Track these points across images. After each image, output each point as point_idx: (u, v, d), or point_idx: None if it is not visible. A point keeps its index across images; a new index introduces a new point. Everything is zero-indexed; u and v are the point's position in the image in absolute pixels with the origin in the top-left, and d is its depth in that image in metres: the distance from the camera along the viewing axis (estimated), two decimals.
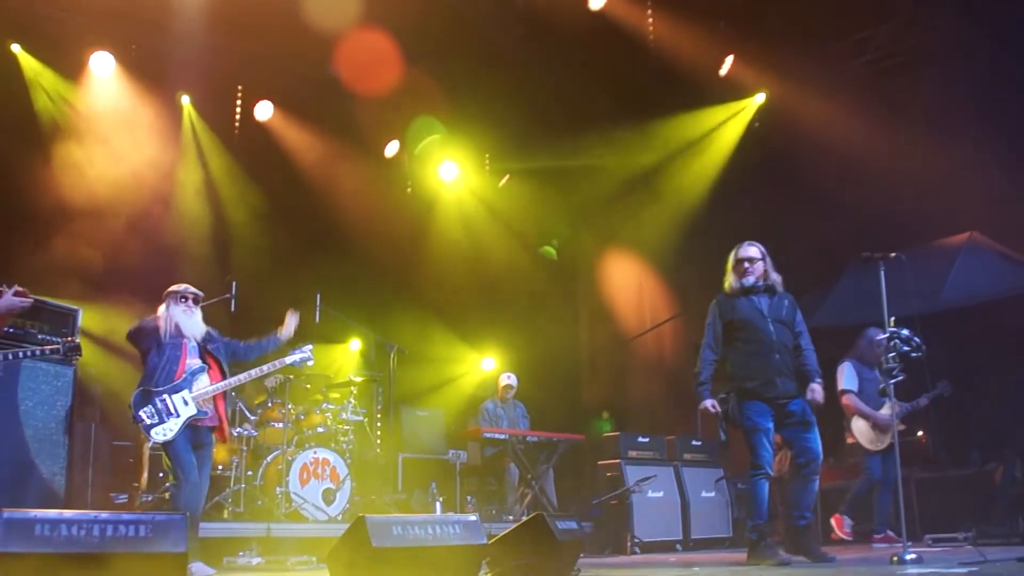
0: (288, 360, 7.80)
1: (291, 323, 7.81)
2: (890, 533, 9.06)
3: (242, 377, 7.47)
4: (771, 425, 6.84)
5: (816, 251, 12.15)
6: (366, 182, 14.14)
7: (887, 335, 6.48)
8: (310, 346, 7.94)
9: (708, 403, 6.98)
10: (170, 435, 6.90)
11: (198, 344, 7.34)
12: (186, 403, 7.02)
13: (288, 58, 12.72)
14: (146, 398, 6.98)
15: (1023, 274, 10.64)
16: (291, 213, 13.34)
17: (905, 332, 6.39)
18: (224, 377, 7.36)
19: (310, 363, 7.93)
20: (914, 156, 11.58)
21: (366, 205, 13.92)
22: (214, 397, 7.25)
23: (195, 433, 7.11)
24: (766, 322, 6.93)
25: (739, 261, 7.16)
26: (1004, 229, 11.55)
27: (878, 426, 9.26)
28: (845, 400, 9.37)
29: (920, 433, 10.84)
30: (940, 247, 11.64)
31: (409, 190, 15.44)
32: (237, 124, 13.55)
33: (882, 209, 11.55)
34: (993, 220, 11.52)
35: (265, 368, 7.67)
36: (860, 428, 9.35)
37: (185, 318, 7.32)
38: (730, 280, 7.13)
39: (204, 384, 7.21)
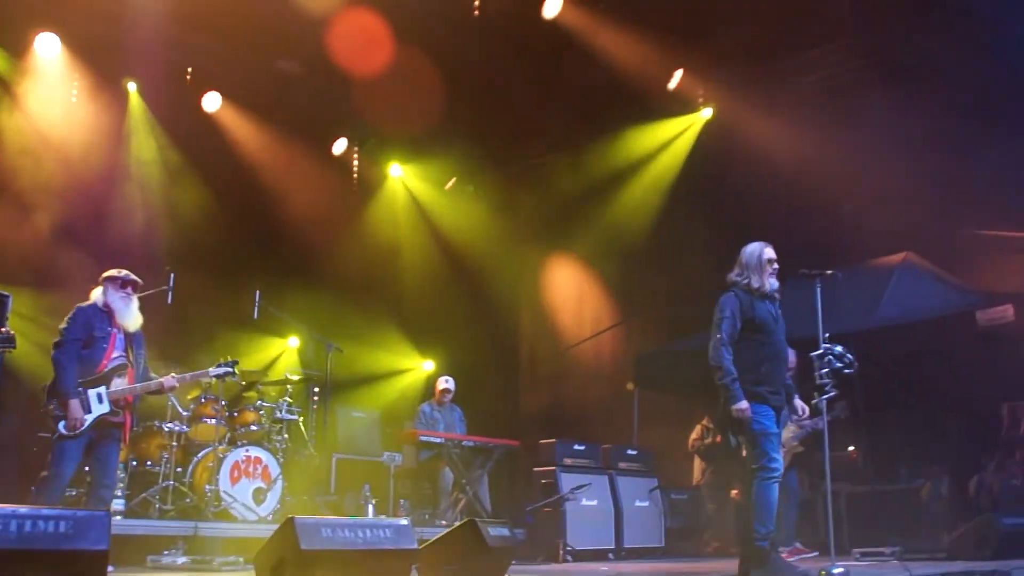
0: (212, 373, 7.65)
1: (170, 383, 7.37)
2: (798, 545, 9.14)
3: (165, 382, 7.18)
4: (777, 429, 6.58)
5: None
6: (312, 179, 14.04)
7: (821, 351, 6.53)
8: (235, 362, 7.77)
9: (745, 405, 6.46)
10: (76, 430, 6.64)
11: (125, 337, 7.07)
12: (100, 400, 6.76)
13: (239, 50, 12.61)
14: None
15: (955, 295, 10.80)
16: (234, 206, 13.21)
17: (839, 348, 6.44)
18: (137, 379, 7.07)
19: (234, 378, 7.77)
20: (855, 175, 11.75)
21: (311, 202, 13.81)
22: (126, 397, 6.96)
23: (100, 430, 6.81)
24: (779, 329, 6.71)
25: (769, 261, 6.78)
26: (938, 251, 11.74)
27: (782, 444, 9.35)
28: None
29: (851, 448, 10.97)
30: (876, 266, 11.79)
31: (355, 188, 15.35)
32: (183, 114, 13.38)
33: (823, 226, 11.70)
34: (928, 242, 11.70)
35: (187, 377, 7.48)
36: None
37: (123, 306, 7.02)
38: (753, 279, 6.70)
39: (122, 383, 6.94)
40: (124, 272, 7.15)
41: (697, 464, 12.56)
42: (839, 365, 6.34)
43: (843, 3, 12.30)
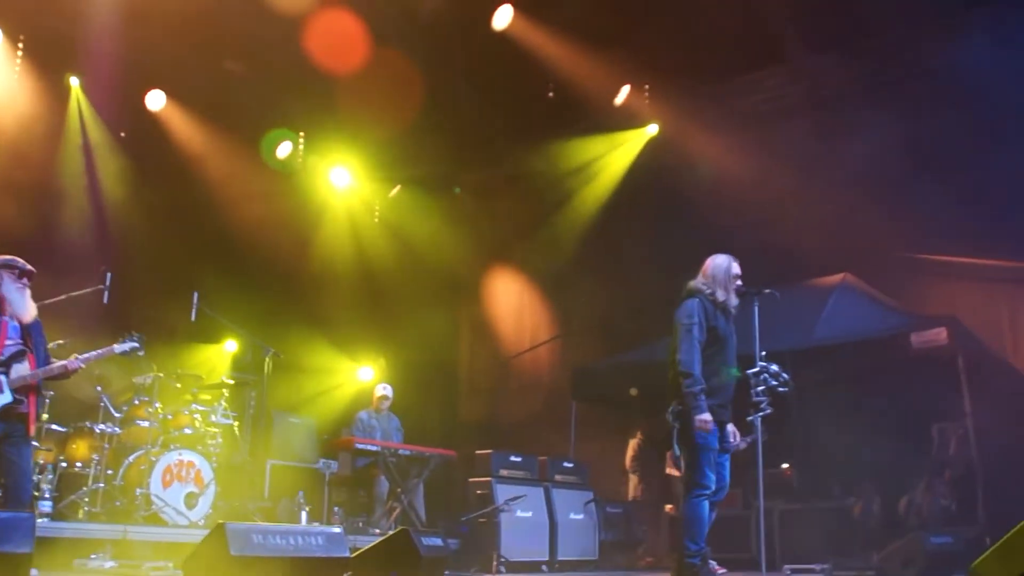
0: (117, 349, 7.38)
1: (74, 364, 7.14)
2: (711, 564, 9.18)
3: (68, 364, 6.93)
4: (717, 446, 6.55)
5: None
6: (255, 182, 13.93)
7: (757, 369, 6.58)
8: (140, 336, 7.56)
9: (708, 417, 6.40)
10: None
11: (20, 326, 6.72)
12: (1, 390, 6.45)
13: (185, 49, 12.46)
14: None
15: (890, 317, 10.95)
16: (174, 206, 13.08)
17: (775, 367, 6.49)
18: (39, 366, 6.73)
19: (140, 353, 7.55)
20: (796, 196, 11.91)
21: (253, 205, 13.71)
22: (28, 387, 6.60)
23: (7, 423, 6.47)
24: (732, 345, 6.71)
25: (736, 276, 6.80)
26: (875, 273, 11.93)
27: None
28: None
29: (785, 466, 11.08)
30: (815, 286, 11.94)
31: (298, 193, 15.25)
32: (126, 111, 13.21)
33: (763, 245, 11.82)
34: (866, 264, 11.88)
35: (92, 355, 7.19)
36: None
37: (17, 296, 6.68)
38: (719, 292, 6.70)
39: (23, 369, 6.60)
40: (21, 261, 6.80)
41: (632, 478, 12.62)
42: (775, 383, 6.38)
43: (785, 29, 12.46)
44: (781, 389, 6.40)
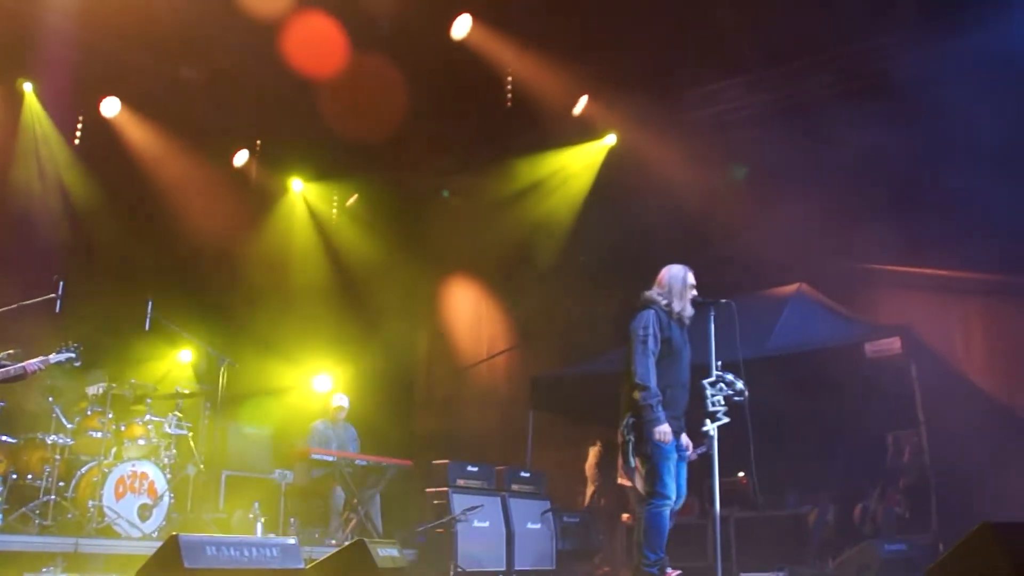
0: (52, 359, 7.36)
1: (34, 366, 7.05)
2: (669, 570, 9.20)
3: (27, 365, 6.80)
4: (675, 455, 6.59)
5: None
6: (211, 190, 13.84)
7: (713, 378, 6.60)
8: (78, 346, 7.49)
9: (667, 429, 6.43)
10: None
11: None
12: None
13: (141, 56, 12.38)
14: None
15: (845, 326, 11.05)
16: (129, 214, 12.95)
17: (730, 376, 6.51)
18: None
19: (77, 364, 7.48)
20: (753, 208, 12.00)
21: (209, 214, 13.61)
22: None
23: None
24: (686, 355, 6.74)
25: (691, 286, 6.82)
26: (830, 284, 12.04)
27: None
28: None
29: (740, 474, 11.13)
30: (770, 296, 12.03)
31: (255, 202, 15.17)
32: (81, 118, 13.09)
33: (720, 256, 11.91)
34: (821, 274, 11.98)
35: (28, 365, 7.11)
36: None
37: None
38: (675, 302, 6.71)
39: None
40: None
41: (589, 488, 12.64)
42: (730, 393, 6.41)
43: (744, 41, 12.56)
44: (737, 399, 6.42)
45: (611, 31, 12.46)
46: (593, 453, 12.75)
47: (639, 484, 9.45)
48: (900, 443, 10.81)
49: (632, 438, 6.49)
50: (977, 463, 10.02)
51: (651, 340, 6.46)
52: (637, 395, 6.41)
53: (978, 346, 12.41)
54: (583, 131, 14.11)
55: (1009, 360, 12.03)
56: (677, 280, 6.77)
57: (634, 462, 6.57)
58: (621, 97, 13.53)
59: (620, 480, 9.81)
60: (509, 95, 13.53)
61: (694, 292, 6.79)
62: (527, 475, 11.53)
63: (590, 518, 12.16)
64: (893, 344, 10.35)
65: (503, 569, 10.46)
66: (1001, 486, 9.60)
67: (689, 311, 6.73)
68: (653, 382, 6.39)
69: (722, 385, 6.37)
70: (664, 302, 6.69)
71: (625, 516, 11.69)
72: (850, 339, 10.67)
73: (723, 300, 6.78)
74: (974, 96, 11.01)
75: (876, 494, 10.61)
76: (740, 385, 6.41)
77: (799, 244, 11.57)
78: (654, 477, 6.40)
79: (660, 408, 6.36)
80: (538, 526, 11.12)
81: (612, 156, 14.25)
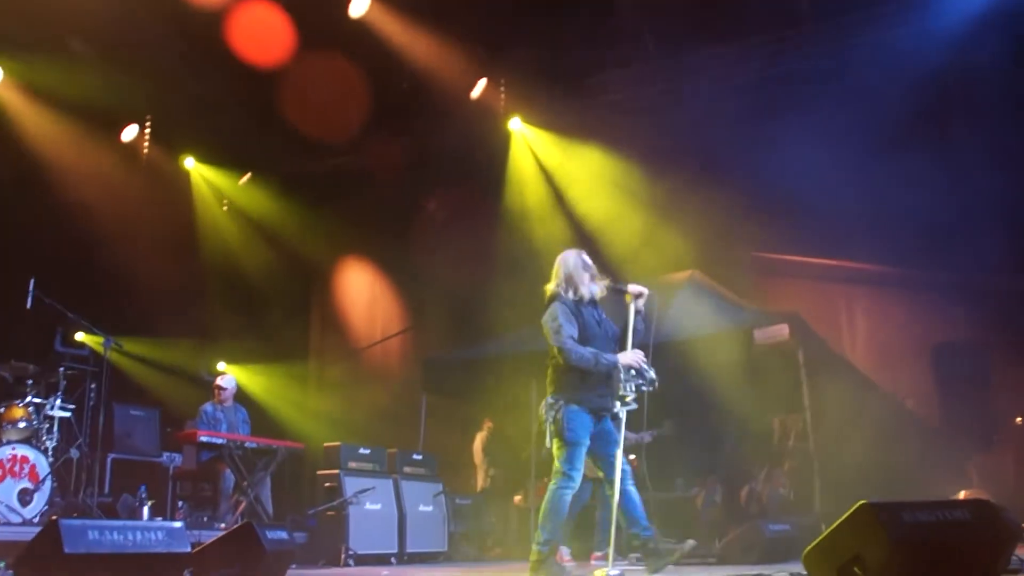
0: None
1: None
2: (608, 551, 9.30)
3: None
4: (588, 441, 6.50)
5: (548, 274, 12.51)
6: (98, 165, 13.48)
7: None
8: None
9: (638, 355, 6.40)
10: None
11: None
12: None
13: (26, 27, 11.95)
14: None
15: (735, 314, 11.24)
16: (11, 189, 12.54)
17: (645, 365, 6.51)
18: None
19: None
20: (646, 195, 12.15)
21: (96, 190, 13.26)
22: None
23: None
24: (603, 334, 6.62)
25: (586, 266, 6.70)
26: (722, 271, 12.25)
27: None
28: None
29: (631, 457, 11.26)
30: (663, 283, 12.18)
31: (145, 178, 14.82)
32: None
33: (612, 242, 12.05)
34: (713, 262, 12.19)
35: None
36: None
37: None
38: (581, 288, 6.60)
39: None
40: None
41: (481, 470, 12.68)
42: (640, 382, 6.42)
43: (643, 28, 12.68)
44: (644, 388, 6.44)
45: (511, 15, 12.46)
46: (480, 437, 12.79)
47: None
48: (786, 427, 11.06)
49: (550, 418, 6.47)
50: (859, 446, 10.33)
51: (565, 327, 6.41)
52: (570, 363, 6.36)
53: (861, 333, 12.79)
54: (481, 115, 14.07)
55: (890, 347, 12.43)
56: (572, 266, 6.73)
57: (550, 442, 6.57)
58: (519, 82, 13.57)
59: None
60: (406, 77, 13.43)
61: (593, 270, 6.74)
62: (419, 457, 11.52)
63: (482, 500, 12.21)
64: (781, 331, 10.58)
65: (395, 551, 10.44)
66: (881, 468, 9.90)
67: (595, 290, 6.68)
68: (581, 349, 6.34)
69: (633, 372, 6.38)
70: (567, 293, 6.64)
71: (517, 498, 11.76)
72: (740, 325, 10.87)
73: (638, 288, 6.71)
74: (862, 89, 11.33)
75: (762, 476, 10.85)
76: (652, 375, 6.43)
77: (691, 232, 11.75)
78: (563, 459, 6.38)
79: (603, 356, 6.35)
80: (430, 508, 11.12)
81: (508, 140, 14.26)
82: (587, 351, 6.35)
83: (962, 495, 9.72)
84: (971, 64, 11.01)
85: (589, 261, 6.74)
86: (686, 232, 11.84)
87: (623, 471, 6.58)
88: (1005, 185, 10.67)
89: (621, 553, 6.96)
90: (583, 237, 12.35)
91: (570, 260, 6.72)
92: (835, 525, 4.03)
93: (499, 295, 13.15)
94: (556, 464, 6.44)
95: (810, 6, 12.01)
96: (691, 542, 6.59)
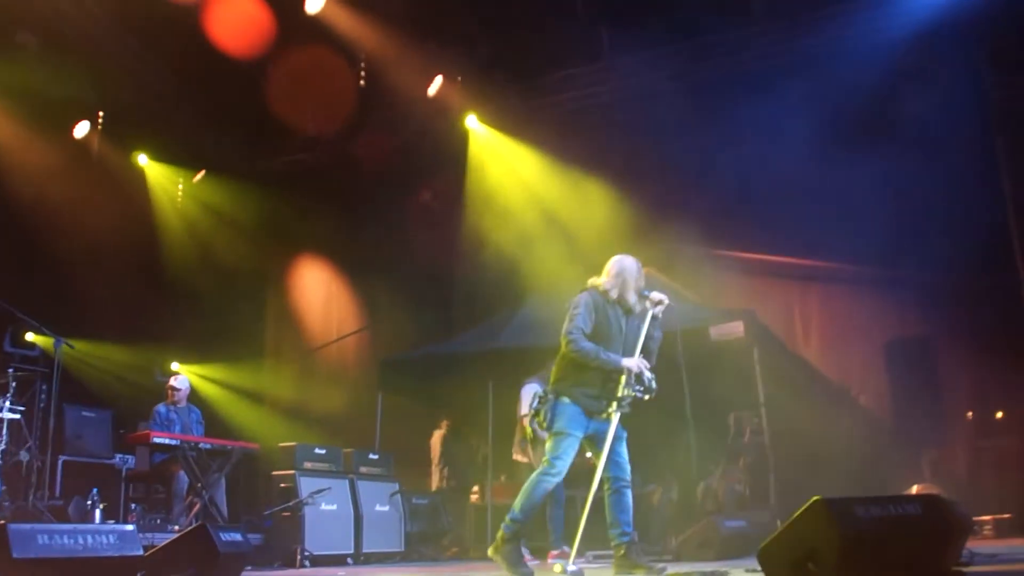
0: None
1: None
2: (565, 548, 9.29)
3: None
4: (580, 434, 6.57)
5: (506, 276, 12.56)
6: (50, 162, 13.29)
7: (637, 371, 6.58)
8: None
9: (636, 361, 6.44)
10: None
11: None
12: None
13: None
14: None
15: (690, 311, 11.30)
16: None
17: (649, 375, 6.52)
18: None
19: None
20: (601, 192, 12.18)
21: (47, 187, 13.09)
22: None
23: None
24: (622, 343, 6.65)
25: (640, 279, 6.73)
26: (676, 268, 12.31)
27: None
28: (526, 422, 9.54)
29: (588, 455, 11.28)
30: None
31: (97, 175, 14.63)
32: None
33: (564, 240, 12.08)
34: (668, 260, 12.24)
35: None
36: (540, 452, 9.55)
37: None
38: (615, 290, 6.64)
39: None
40: None
41: (437, 470, 12.65)
42: (638, 388, 6.46)
43: (599, 29, 12.71)
44: (640, 395, 6.49)
45: (466, 12, 12.46)
46: (438, 435, 12.77)
47: (537, 462, 9.53)
48: (741, 423, 11.13)
49: (543, 410, 6.52)
50: (813, 442, 10.42)
51: (579, 318, 6.45)
52: (571, 352, 6.39)
53: (815, 330, 12.91)
54: (436, 111, 14.03)
55: (843, 343, 12.56)
56: (628, 270, 6.74)
57: (544, 434, 6.62)
58: (478, 79, 13.56)
59: (515, 456, 9.87)
60: (362, 73, 13.39)
61: (641, 283, 6.76)
62: (375, 457, 11.49)
63: (439, 500, 12.19)
64: (737, 327, 10.67)
65: (351, 552, 10.40)
66: (835, 463, 10.00)
67: (633, 301, 6.67)
68: (585, 343, 6.38)
69: (635, 377, 6.42)
70: (607, 289, 6.66)
71: (474, 497, 11.74)
72: (696, 323, 10.93)
73: (659, 296, 6.72)
74: (817, 87, 11.43)
75: (718, 472, 10.90)
76: (653, 383, 6.48)
77: (645, 229, 11.79)
78: (551, 450, 6.45)
79: (604, 354, 6.38)
80: (387, 508, 11.09)
81: (463, 137, 14.25)
82: (589, 345, 6.39)
83: (914, 490, 9.81)
84: (923, 63, 11.15)
85: (642, 275, 6.78)
86: (641, 229, 11.87)
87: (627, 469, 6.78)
88: (955, 184, 10.82)
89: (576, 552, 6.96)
90: (540, 234, 12.35)
91: (629, 265, 6.75)
92: (790, 521, 4.06)
93: (456, 294, 13.14)
94: (547, 455, 6.51)
95: (763, 3, 12.10)
96: (666, 569, 6.61)
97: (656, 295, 6.68)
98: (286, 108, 13.92)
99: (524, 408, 9.61)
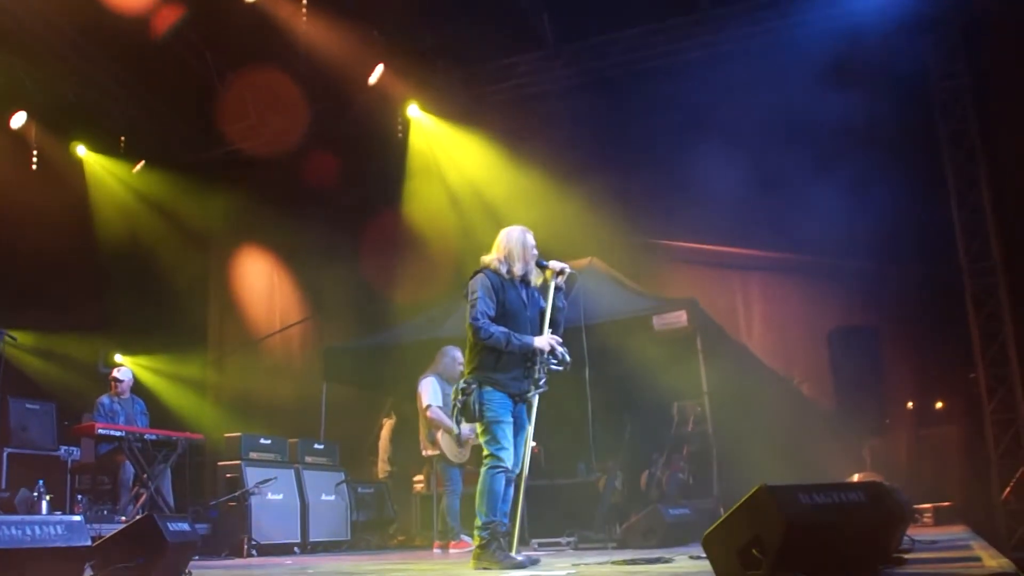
0: None
1: None
2: (464, 538, 9.31)
3: None
4: (511, 419, 6.38)
5: (449, 266, 12.59)
6: None
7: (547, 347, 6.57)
8: None
9: (548, 338, 6.36)
10: None
11: None
12: None
13: None
14: None
15: (634, 300, 11.41)
16: None
17: (560, 349, 6.52)
18: None
19: None
20: (544, 182, 12.25)
21: None
22: None
23: None
24: (526, 316, 6.50)
25: (532, 247, 6.58)
26: (620, 258, 12.41)
27: (459, 440, 9.63)
28: (430, 414, 9.59)
29: (533, 444, 11.37)
30: None
31: (35, 167, 14.44)
32: None
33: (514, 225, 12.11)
34: (611, 248, 12.34)
35: None
36: (446, 441, 9.62)
37: None
38: (515, 265, 6.47)
39: None
40: None
41: (383, 458, 12.68)
42: (552, 361, 6.43)
43: (542, 17, 12.75)
44: (555, 367, 6.46)
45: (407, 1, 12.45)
46: (388, 425, 12.79)
47: (450, 453, 9.56)
48: (685, 412, 11.24)
49: (462, 403, 6.38)
50: (755, 430, 10.58)
51: (481, 303, 6.31)
52: (481, 340, 6.31)
53: (758, 319, 13.08)
54: (378, 100, 14.00)
55: (786, 332, 12.73)
56: (514, 242, 6.63)
57: (468, 427, 6.50)
58: (419, 68, 13.55)
59: (424, 451, 9.91)
60: (303, 60, 13.32)
61: (534, 251, 6.67)
62: (321, 447, 11.50)
63: (384, 489, 12.22)
64: (679, 317, 10.78)
65: (298, 541, 10.42)
66: (778, 451, 10.15)
67: (530, 271, 6.57)
68: (492, 327, 6.24)
69: (547, 354, 6.38)
70: (498, 266, 6.55)
71: (418, 486, 11.79)
72: (639, 312, 11.04)
73: (559, 265, 6.70)
74: (762, 76, 11.59)
75: (662, 461, 11.00)
76: (565, 355, 6.45)
77: (589, 219, 11.88)
78: (489, 441, 6.32)
79: (514, 337, 6.26)
80: (332, 498, 11.11)
81: (406, 125, 14.26)
82: (499, 330, 6.27)
83: (856, 478, 9.97)
84: (867, 55, 11.33)
85: (532, 241, 6.68)
86: (584, 219, 11.96)
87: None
88: (899, 175, 11.01)
89: (521, 540, 6.96)
90: (481, 224, 12.40)
91: (514, 235, 6.58)
92: (734, 508, 4.13)
93: (399, 283, 13.15)
94: (484, 447, 6.41)
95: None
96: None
97: (556, 264, 6.63)
98: (226, 98, 13.82)
99: (426, 400, 9.64)
